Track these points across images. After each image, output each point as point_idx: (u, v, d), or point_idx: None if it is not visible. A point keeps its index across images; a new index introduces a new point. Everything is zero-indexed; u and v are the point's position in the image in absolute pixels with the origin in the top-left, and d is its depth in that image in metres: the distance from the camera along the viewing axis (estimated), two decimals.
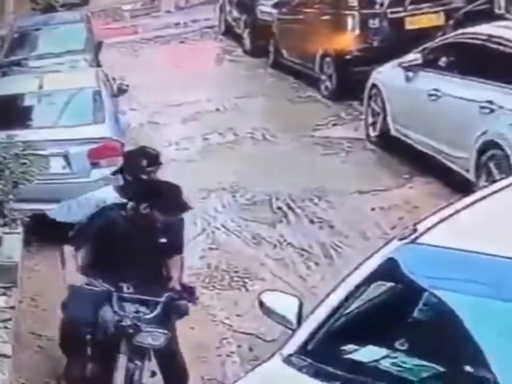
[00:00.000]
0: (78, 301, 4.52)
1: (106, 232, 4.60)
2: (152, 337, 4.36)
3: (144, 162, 5.27)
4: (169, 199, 4.54)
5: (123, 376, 4.38)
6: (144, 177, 5.14)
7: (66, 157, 7.32)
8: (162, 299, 4.43)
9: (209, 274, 6.55)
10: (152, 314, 4.40)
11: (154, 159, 5.36)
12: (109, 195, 5.15)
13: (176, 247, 4.75)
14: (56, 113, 7.86)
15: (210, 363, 5.41)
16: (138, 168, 5.24)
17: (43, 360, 5.37)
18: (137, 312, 4.41)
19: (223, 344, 5.59)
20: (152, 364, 4.59)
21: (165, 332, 4.38)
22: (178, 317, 4.66)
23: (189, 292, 4.61)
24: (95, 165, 7.29)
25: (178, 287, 4.61)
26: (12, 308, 5.55)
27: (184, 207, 4.62)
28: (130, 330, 4.35)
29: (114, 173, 5.59)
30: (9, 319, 5.37)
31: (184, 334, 5.47)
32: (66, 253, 4.67)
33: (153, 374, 4.63)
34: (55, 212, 5.81)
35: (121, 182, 5.41)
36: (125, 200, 4.79)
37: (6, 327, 5.26)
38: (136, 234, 4.60)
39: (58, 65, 10.22)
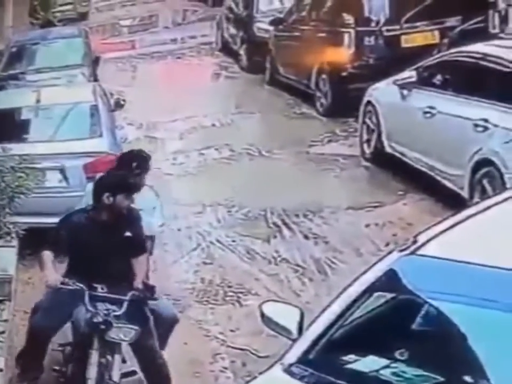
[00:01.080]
0: (55, 302, 4.86)
1: (74, 236, 4.84)
2: (123, 333, 4.60)
3: (134, 165, 5.49)
4: (129, 181, 5.00)
5: (95, 372, 4.58)
6: (132, 179, 5.19)
7: (62, 170, 7.33)
8: (126, 297, 4.66)
9: (203, 289, 6.55)
10: (120, 312, 4.65)
11: (144, 162, 5.60)
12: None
13: (140, 244, 4.97)
14: (53, 127, 7.87)
15: (203, 378, 5.39)
16: (127, 169, 5.40)
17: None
18: (107, 309, 4.66)
19: (217, 360, 5.58)
20: (133, 363, 4.82)
21: (135, 327, 4.59)
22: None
23: (149, 291, 4.83)
24: (91, 178, 7.24)
25: (140, 286, 4.78)
26: (5, 321, 5.56)
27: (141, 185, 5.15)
28: (102, 327, 4.60)
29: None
30: (3, 332, 5.38)
31: (178, 349, 5.48)
32: (44, 256, 4.86)
33: (133, 373, 4.85)
34: None
35: None
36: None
37: None
38: (102, 233, 4.82)
39: (55, 79, 10.26)
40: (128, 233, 4.85)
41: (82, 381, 4.62)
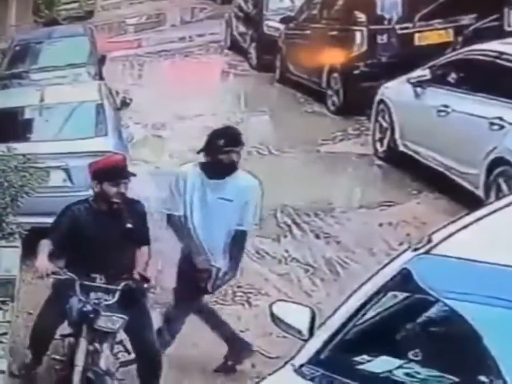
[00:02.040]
0: (53, 294, 5.00)
1: (74, 225, 4.87)
2: (112, 322, 4.68)
3: (221, 142, 5.09)
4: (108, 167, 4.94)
5: (82, 360, 4.66)
6: (222, 156, 5.05)
7: (67, 170, 7.26)
8: (119, 287, 4.72)
9: None
10: (112, 301, 4.71)
11: (232, 139, 5.16)
12: (189, 169, 5.19)
13: (143, 235, 5.00)
14: (57, 126, 7.82)
15: (212, 380, 5.31)
16: (214, 149, 5.10)
17: (39, 376, 5.26)
18: (98, 299, 4.73)
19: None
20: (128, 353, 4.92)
21: (123, 316, 4.69)
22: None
23: (145, 281, 4.84)
24: None
25: (137, 276, 4.81)
26: (8, 322, 5.49)
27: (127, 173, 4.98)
28: (91, 315, 4.68)
29: (198, 152, 5.34)
30: (5, 333, 5.31)
31: (187, 351, 5.38)
32: (41, 246, 4.86)
33: (129, 362, 4.94)
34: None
35: None
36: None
37: (1, 342, 5.21)
38: (101, 223, 4.86)
39: (60, 78, 10.20)
40: (129, 225, 4.85)
41: (72, 368, 4.70)
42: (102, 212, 4.89)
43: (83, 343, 4.68)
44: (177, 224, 5.19)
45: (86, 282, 4.74)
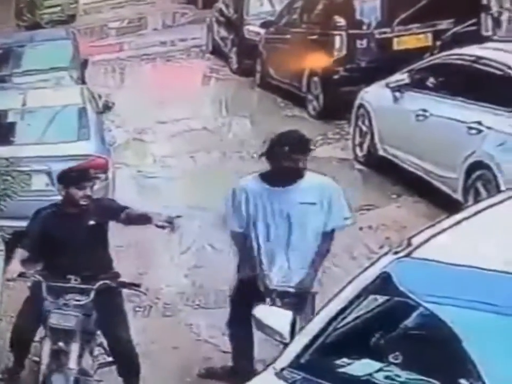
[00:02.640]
0: (28, 299, 5.03)
1: (43, 230, 4.95)
2: (64, 319, 4.70)
3: (286, 149, 4.69)
4: (73, 173, 5.06)
5: (47, 359, 4.72)
6: (287, 164, 4.69)
7: (49, 173, 7.24)
8: (94, 287, 4.73)
9: (194, 293, 6.48)
10: (86, 301, 4.73)
11: (298, 145, 4.75)
12: (248, 182, 4.91)
13: (114, 212, 4.95)
14: (39, 130, 7.82)
15: (194, 383, 5.31)
16: (280, 155, 4.70)
17: (22, 379, 5.27)
18: (68, 299, 4.74)
19: (208, 364, 5.48)
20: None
21: (76, 314, 4.70)
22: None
23: (130, 286, 4.92)
24: None
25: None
26: None
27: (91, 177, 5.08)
28: (46, 314, 4.74)
29: (260, 157, 5.07)
30: None
31: (168, 354, 5.41)
32: (15, 254, 4.96)
33: (108, 364, 4.95)
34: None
35: None
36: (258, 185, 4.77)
37: None
38: (66, 224, 4.91)
39: (43, 82, 10.17)
40: (91, 222, 4.92)
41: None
42: (70, 214, 4.95)
43: (46, 342, 4.75)
44: (238, 240, 5.00)
45: (56, 284, 4.78)
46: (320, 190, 4.76)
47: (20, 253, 4.92)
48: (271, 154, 4.78)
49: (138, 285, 4.96)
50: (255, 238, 4.80)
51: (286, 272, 4.74)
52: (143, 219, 4.94)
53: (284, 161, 4.67)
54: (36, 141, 7.66)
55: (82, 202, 4.91)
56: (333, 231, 4.88)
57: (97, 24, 20.21)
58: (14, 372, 5.25)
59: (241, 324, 4.92)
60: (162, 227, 4.81)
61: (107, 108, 8.98)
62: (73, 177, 4.96)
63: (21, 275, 4.83)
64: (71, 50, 11.72)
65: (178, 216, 5.03)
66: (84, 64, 11.66)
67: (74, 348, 4.72)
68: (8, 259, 6.02)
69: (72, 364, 4.69)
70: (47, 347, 4.75)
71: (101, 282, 4.76)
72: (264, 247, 4.78)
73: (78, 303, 4.73)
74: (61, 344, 4.73)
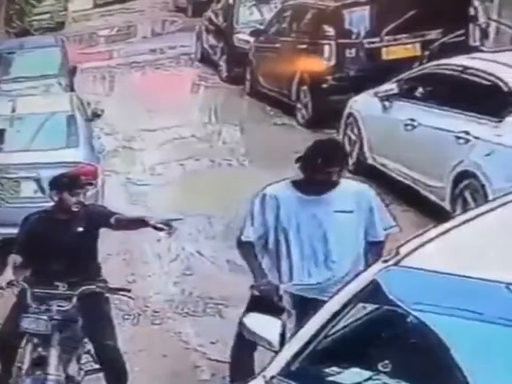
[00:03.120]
0: (15, 305, 4.99)
1: (31, 235, 4.96)
2: (36, 324, 4.68)
3: (319, 161, 4.44)
4: (66, 179, 5.08)
5: (28, 365, 4.72)
6: (320, 176, 4.45)
7: (38, 180, 7.24)
8: (75, 292, 4.72)
9: (183, 301, 6.47)
10: (67, 307, 4.72)
11: (332, 158, 4.49)
12: (279, 188, 4.61)
13: (104, 218, 4.94)
14: (28, 137, 7.81)
15: None
16: (313, 167, 4.47)
17: None
18: (51, 306, 4.73)
19: (197, 372, 5.50)
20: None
21: (44, 318, 4.67)
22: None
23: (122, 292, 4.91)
24: None
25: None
26: None
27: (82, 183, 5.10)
28: (20, 319, 4.72)
29: (296, 162, 4.71)
30: None
31: (157, 362, 5.40)
32: (8, 259, 4.92)
33: (96, 371, 4.91)
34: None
35: None
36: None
37: None
38: (55, 230, 4.91)
39: (32, 89, 10.17)
40: (80, 229, 4.91)
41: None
42: (60, 220, 4.95)
43: (28, 348, 4.75)
44: (247, 250, 4.71)
45: (40, 291, 4.78)
46: (357, 198, 4.53)
47: (12, 260, 4.89)
48: (304, 164, 4.51)
49: (124, 289, 4.94)
50: (286, 247, 4.55)
51: (325, 282, 4.48)
52: (137, 223, 4.97)
53: (317, 174, 4.43)
54: (24, 147, 7.66)
55: (74, 209, 4.90)
56: (382, 241, 4.59)
57: (86, 32, 20.23)
58: (3, 380, 5.22)
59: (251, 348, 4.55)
60: (161, 229, 4.78)
61: (96, 115, 8.99)
62: (67, 183, 4.98)
63: (9, 283, 4.80)
64: (60, 58, 11.74)
65: (178, 219, 5.02)
66: (73, 71, 11.68)
67: (53, 353, 4.70)
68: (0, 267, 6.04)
69: (51, 369, 4.67)
70: (28, 353, 4.76)
71: (84, 287, 4.74)
72: (297, 258, 4.54)
73: (61, 308, 4.72)
74: (39, 349, 4.73)
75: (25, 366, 4.73)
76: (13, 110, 8.26)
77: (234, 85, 13.36)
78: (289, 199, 4.54)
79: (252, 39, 12.90)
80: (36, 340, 4.74)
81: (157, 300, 6.46)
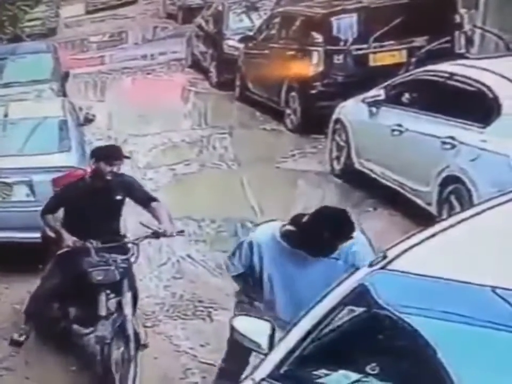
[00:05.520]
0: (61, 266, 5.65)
1: (70, 200, 5.67)
2: (105, 274, 5.32)
3: (327, 235, 4.10)
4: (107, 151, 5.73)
5: (105, 310, 5.35)
6: (324, 247, 4.17)
7: (30, 185, 7.27)
8: (137, 241, 5.45)
9: (174, 304, 6.53)
10: (128, 255, 5.43)
11: (341, 232, 4.15)
12: (264, 238, 4.44)
13: (142, 196, 5.72)
14: (21, 141, 7.83)
15: None
16: (318, 237, 4.13)
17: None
18: (114, 257, 5.36)
19: (187, 375, 5.55)
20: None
21: (112, 268, 5.32)
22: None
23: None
24: None
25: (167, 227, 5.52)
26: None
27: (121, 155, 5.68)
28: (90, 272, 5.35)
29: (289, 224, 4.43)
30: None
31: (148, 364, 5.46)
32: (52, 221, 5.71)
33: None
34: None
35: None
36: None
37: None
38: (93, 196, 5.58)
39: (24, 94, 10.20)
40: (118, 197, 5.65)
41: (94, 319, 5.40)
42: (93, 186, 5.61)
43: (101, 297, 5.34)
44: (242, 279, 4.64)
45: (103, 246, 5.37)
46: (349, 253, 4.25)
47: (58, 224, 5.62)
48: (305, 231, 4.18)
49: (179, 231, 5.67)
50: (270, 294, 4.44)
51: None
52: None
53: (320, 244, 4.14)
54: (17, 152, 7.68)
55: (108, 177, 5.50)
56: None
57: (78, 38, 20.28)
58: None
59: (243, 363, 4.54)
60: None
61: (88, 120, 9.02)
62: (105, 153, 5.59)
63: (75, 242, 5.39)
64: (52, 63, 11.74)
65: (181, 231, 5.57)
66: (65, 77, 11.70)
67: (127, 295, 5.30)
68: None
69: (127, 311, 5.25)
70: (103, 301, 5.33)
71: (141, 237, 5.41)
72: (280, 304, 4.41)
73: (124, 257, 5.35)
74: (112, 296, 5.36)
75: (103, 312, 5.31)
76: (6, 115, 8.29)
77: (224, 91, 13.42)
78: (273, 250, 4.36)
79: (241, 46, 12.98)
80: (108, 290, 5.35)
81: (148, 303, 6.50)
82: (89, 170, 5.86)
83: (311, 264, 4.27)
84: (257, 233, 4.56)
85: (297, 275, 4.33)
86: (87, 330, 5.62)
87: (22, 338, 5.90)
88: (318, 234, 4.10)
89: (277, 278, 4.41)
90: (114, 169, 5.53)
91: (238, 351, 4.32)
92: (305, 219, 4.23)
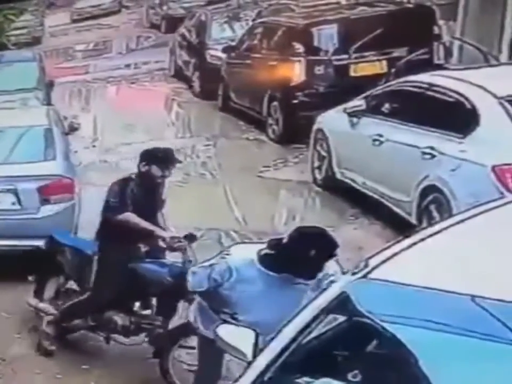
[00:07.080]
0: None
1: (134, 198, 5.51)
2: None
3: (313, 253, 4.07)
4: (161, 155, 5.55)
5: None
6: (309, 267, 4.10)
7: (15, 193, 7.32)
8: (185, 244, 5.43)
9: None
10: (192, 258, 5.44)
11: (327, 252, 4.11)
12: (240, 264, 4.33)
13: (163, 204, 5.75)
14: (6, 150, 7.85)
15: None
16: (303, 256, 4.10)
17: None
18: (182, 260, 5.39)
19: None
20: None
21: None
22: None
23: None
24: (45, 201, 7.34)
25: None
26: None
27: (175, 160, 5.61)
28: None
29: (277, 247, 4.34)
30: None
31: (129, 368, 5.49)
32: (136, 219, 5.41)
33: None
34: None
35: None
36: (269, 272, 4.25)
37: None
38: (143, 195, 5.51)
39: (9, 102, 10.22)
40: (164, 197, 5.71)
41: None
42: (149, 188, 5.54)
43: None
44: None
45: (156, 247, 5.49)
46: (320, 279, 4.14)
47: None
48: (289, 252, 4.09)
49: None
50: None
51: None
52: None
53: (307, 263, 4.06)
54: (2, 160, 7.71)
55: (158, 181, 5.49)
56: None
57: (63, 47, 20.30)
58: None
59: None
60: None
61: (73, 129, 9.07)
62: (160, 157, 5.47)
63: (173, 237, 5.40)
64: (37, 72, 11.75)
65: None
66: (50, 85, 11.74)
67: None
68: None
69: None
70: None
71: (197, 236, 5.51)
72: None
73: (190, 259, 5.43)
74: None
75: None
76: None
77: (207, 100, 13.50)
78: (250, 277, 4.26)
79: (224, 55, 13.06)
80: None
81: None
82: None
83: (287, 289, 4.20)
84: (235, 258, 4.36)
85: (274, 299, 4.23)
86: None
87: (53, 347, 5.86)
88: (303, 253, 4.03)
89: (254, 300, 4.28)
90: (167, 173, 5.47)
91: (210, 356, 4.50)
92: (285, 241, 4.14)
